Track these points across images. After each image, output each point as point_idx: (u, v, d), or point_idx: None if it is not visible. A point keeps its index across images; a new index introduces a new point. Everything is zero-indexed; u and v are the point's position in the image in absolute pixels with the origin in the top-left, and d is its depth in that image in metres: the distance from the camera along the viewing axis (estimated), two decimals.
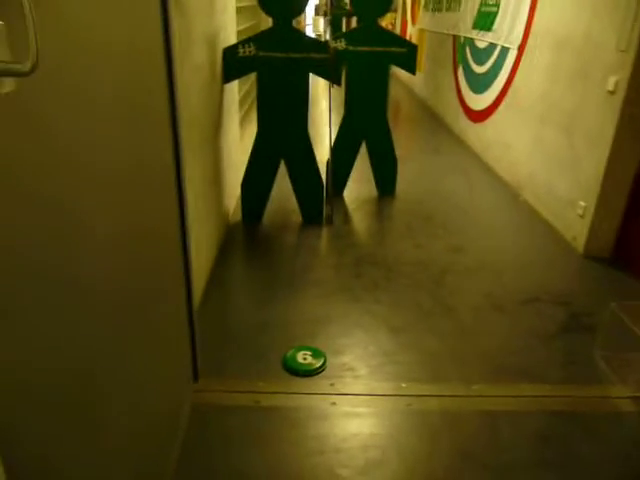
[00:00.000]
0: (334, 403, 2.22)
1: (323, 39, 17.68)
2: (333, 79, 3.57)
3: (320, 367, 2.39)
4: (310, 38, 3.56)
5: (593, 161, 3.47)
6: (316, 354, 2.47)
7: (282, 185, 3.94)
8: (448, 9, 7.27)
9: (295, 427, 2.09)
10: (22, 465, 0.90)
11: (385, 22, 12.08)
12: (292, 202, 4.00)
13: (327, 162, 4.11)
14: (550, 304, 3.01)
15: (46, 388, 0.96)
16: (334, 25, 14.91)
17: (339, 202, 4.38)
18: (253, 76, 3.65)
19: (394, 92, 9.88)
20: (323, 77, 3.58)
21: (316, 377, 2.37)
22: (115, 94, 1.24)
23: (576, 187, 3.70)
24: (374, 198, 4.52)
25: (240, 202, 3.96)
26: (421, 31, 9.25)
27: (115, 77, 1.23)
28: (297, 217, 4.00)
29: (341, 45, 3.99)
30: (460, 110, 6.48)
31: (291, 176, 3.84)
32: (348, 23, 15.44)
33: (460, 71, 6.57)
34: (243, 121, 4.88)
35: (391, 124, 4.32)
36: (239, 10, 4.35)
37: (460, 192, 4.74)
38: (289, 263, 3.40)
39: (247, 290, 3.14)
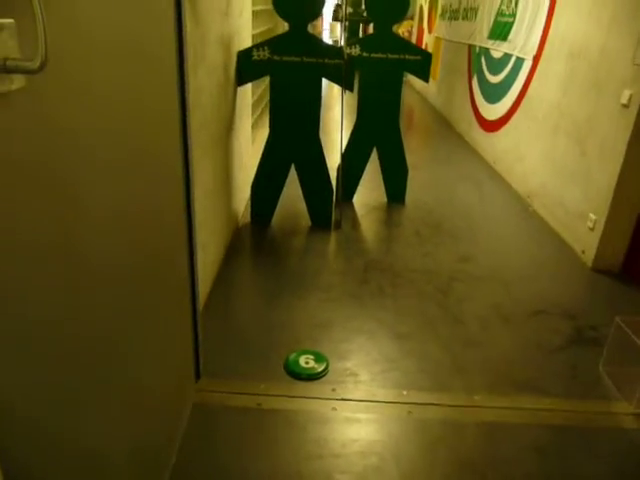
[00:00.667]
0: (335, 408, 2.22)
1: (339, 44, 17.73)
2: (345, 85, 3.58)
3: (322, 372, 2.40)
4: (324, 43, 3.58)
5: (605, 174, 3.45)
6: (319, 358, 2.47)
7: (292, 189, 3.95)
8: (464, 18, 7.27)
9: (295, 430, 2.09)
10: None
11: (402, 29, 12.10)
12: (301, 206, 4.00)
13: (338, 167, 4.12)
14: (556, 317, 2.99)
15: (45, 380, 0.97)
16: (351, 31, 14.96)
17: (348, 207, 4.39)
18: (267, 80, 3.67)
19: (408, 99, 9.89)
20: (336, 83, 3.59)
21: (318, 381, 2.37)
22: (124, 92, 1.25)
23: (587, 199, 3.68)
24: (384, 205, 4.52)
25: (250, 204, 3.98)
26: (437, 39, 9.26)
27: (124, 75, 1.25)
28: (306, 221, 4.01)
29: (355, 51, 4.01)
30: (473, 119, 6.46)
31: (301, 180, 3.85)
32: (365, 29, 15.50)
33: (475, 80, 6.56)
34: (256, 124, 4.91)
35: (404, 131, 4.33)
36: (255, 14, 4.38)
37: (470, 201, 4.72)
38: (296, 267, 3.40)
39: (253, 292, 3.15)
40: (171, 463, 1.88)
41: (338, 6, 20.60)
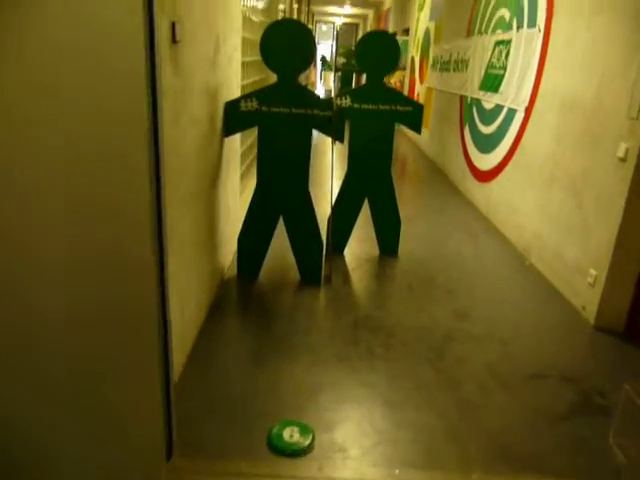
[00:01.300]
0: None
1: (333, 94, 17.94)
2: (335, 136, 3.50)
3: (308, 447, 2.19)
4: (314, 95, 3.51)
5: (604, 228, 3.34)
6: (304, 430, 2.27)
7: (281, 239, 3.81)
8: (455, 69, 7.34)
9: None
10: None
11: (394, 80, 12.28)
12: (291, 258, 3.85)
13: (328, 219, 4.00)
14: (559, 381, 2.81)
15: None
16: (344, 81, 15.23)
17: (339, 260, 4.25)
18: (256, 130, 3.58)
19: (401, 147, 9.93)
20: (325, 134, 3.51)
21: (303, 458, 2.16)
22: (90, 149, 1.12)
23: (586, 254, 3.55)
24: (375, 257, 4.38)
25: (237, 257, 3.83)
26: (429, 89, 9.36)
27: (90, 132, 1.12)
28: (295, 274, 3.85)
29: (346, 102, 3.95)
30: (466, 169, 6.42)
31: (290, 233, 3.72)
32: (358, 79, 15.75)
33: (467, 130, 6.56)
34: (245, 174, 4.82)
35: (396, 180, 4.23)
36: (246, 64, 4.35)
37: (465, 254, 4.60)
38: (283, 326, 3.23)
39: (237, 353, 2.96)
40: None
41: (324, 57, 21.07)
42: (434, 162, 8.48)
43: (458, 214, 5.78)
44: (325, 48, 28.46)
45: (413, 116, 4.01)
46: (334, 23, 27.17)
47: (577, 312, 3.59)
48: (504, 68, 5.30)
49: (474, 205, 6.03)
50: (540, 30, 4.48)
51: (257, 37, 3.43)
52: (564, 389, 2.74)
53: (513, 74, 5.04)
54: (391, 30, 15.40)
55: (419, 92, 10.34)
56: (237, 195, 4.18)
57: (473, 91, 6.34)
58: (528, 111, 4.65)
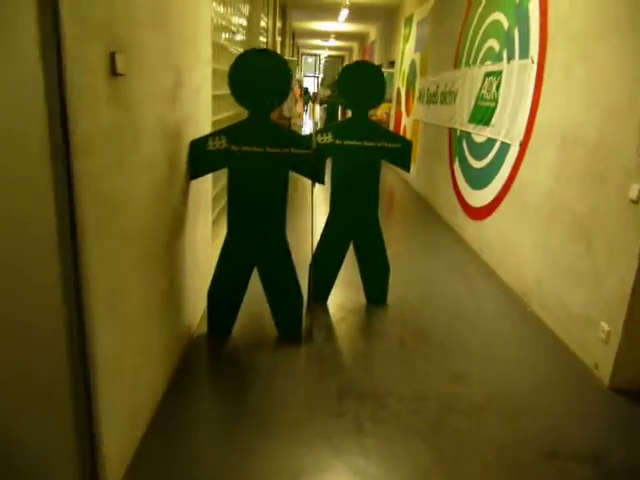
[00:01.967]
0: None
1: (319, 126, 17.76)
2: (315, 178, 3.14)
3: None
4: (290, 132, 3.17)
5: (616, 276, 2.98)
6: None
7: (258, 287, 3.40)
8: (443, 102, 7.09)
9: None
10: None
11: (380, 112, 12.09)
12: (268, 310, 3.45)
13: (310, 265, 3.62)
14: (576, 460, 2.40)
15: None
16: (329, 114, 15.05)
17: (322, 311, 3.85)
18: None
19: (387, 181, 9.64)
20: (304, 175, 3.15)
21: None
22: None
23: (595, 305, 3.19)
24: (362, 307, 3.99)
25: (207, 313, 3.42)
26: (415, 122, 9.12)
27: None
28: (272, 329, 3.44)
29: (327, 139, 3.61)
30: (457, 205, 6.10)
31: (265, 286, 3.32)
32: (344, 112, 15.57)
33: (456, 164, 6.26)
34: (217, 220, 4.43)
35: (383, 215, 3.88)
36: (218, 98, 4.01)
37: (459, 300, 4.22)
38: (258, 395, 2.80)
39: (204, 431, 2.52)
40: None
41: (306, 89, 21.00)
42: (422, 196, 8.17)
43: (450, 253, 5.43)
44: (311, 80, 28.56)
45: (401, 153, 3.68)
46: (319, 55, 27.32)
47: (589, 371, 3.20)
48: (495, 100, 5.02)
49: (466, 243, 5.68)
50: (533, 61, 4.21)
51: None
52: (584, 470, 2.34)
53: (505, 107, 4.75)
54: (377, 62, 15.34)
55: (405, 124, 10.11)
56: (208, 243, 3.78)
57: (462, 124, 6.07)
58: (523, 145, 4.34)
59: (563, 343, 3.52)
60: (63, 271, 1.26)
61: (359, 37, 19.39)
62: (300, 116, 24.55)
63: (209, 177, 3.67)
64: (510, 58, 4.72)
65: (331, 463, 2.30)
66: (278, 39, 11.83)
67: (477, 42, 5.70)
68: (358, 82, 3.56)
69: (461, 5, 6.39)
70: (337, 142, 3.63)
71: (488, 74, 5.26)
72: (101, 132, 1.74)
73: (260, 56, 2.98)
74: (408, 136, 9.76)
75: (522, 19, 4.47)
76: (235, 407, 2.68)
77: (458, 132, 6.29)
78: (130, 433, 2.22)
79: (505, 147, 4.73)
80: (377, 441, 2.46)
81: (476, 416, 2.70)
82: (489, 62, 5.29)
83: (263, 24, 8.46)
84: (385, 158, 3.68)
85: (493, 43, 5.19)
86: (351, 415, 2.65)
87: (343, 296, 4.11)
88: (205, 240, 3.67)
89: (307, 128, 20.42)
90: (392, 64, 12.28)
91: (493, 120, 5.05)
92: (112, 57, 1.82)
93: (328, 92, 15.47)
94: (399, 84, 11.09)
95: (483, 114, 5.32)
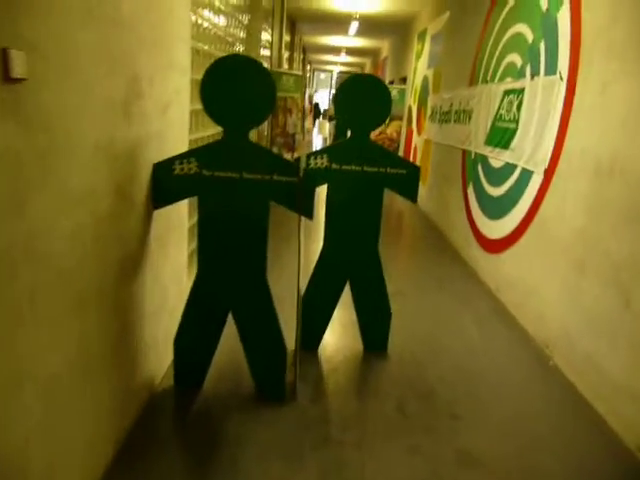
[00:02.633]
0: None
1: (328, 142, 17.21)
2: (303, 210, 2.61)
3: None
4: (272, 155, 2.67)
5: None
6: None
7: (235, 334, 2.88)
8: (457, 121, 6.58)
9: None
10: None
11: (390, 130, 11.61)
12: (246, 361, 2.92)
13: (297, 307, 3.08)
14: None
15: None
16: (339, 131, 14.56)
17: (311, 360, 3.31)
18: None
19: (393, 201, 9.11)
20: (288, 207, 2.64)
21: None
22: None
23: (638, 371, 2.63)
24: (359, 356, 3.44)
25: (174, 363, 2.90)
26: (427, 142, 8.61)
27: None
28: (250, 384, 2.91)
29: (322, 162, 3.10)
30: (470, 234, 5.54)
31: (241, 334, 2.80)
32: None
33: (470, 190, 5.72)
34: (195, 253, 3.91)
35: (387, 241, 3.34)
36: (197, 113, 3.51)
37: (472, 350, 3.66)
38: (219, 476, 2.27)
39: None
40: None
41: (317, 104, 20.56)
42: (432, 221, 7.62)
43: (461, 290, 4.86)
44: (324, 96, 28.22)
45: (408, 181, 3.16)
46: (332, 71, 27.01)
47: (630, 452, 2.62)
48: (516, 121, 4.49)
49: (480, 278, 5.12)
50: (562, 78, 3.68)
51: None
52: None
53: (528, 129, 4.22)
54: (388, 78, 14.91)
55: (416, 144, 9.60)
56: (182, 280, 3.26)
57: (478, 146, 5.54)
58: (548, 174, 3.80)
59: (597, 413, 2.94)
60: None
61: (371, 53, 19.00)
62: (309, 131, 24.26)
63: (185, 203, 3.16)
64: (534, 74, 4.20)
65: None
66: (285, 53, 11.42)
67: (496, 57, 5.19)
68: (358, 98, 3.05)
69: (479, 17, 5.90)
70: (333, 166, 3.11)
71: (508, 92, 4.74)
72: None
73: (236, 64, 2.47)
74: (418, 156, 9.25)
75: (549, 30, 3.95)
76: None
77: (473, 155, 5.76)
78: None
79: (526, 174, 4.19)
80: None
81: None
82: (509, 79, 4.77)
83: (267, 37, 8.03)
84: (388, 186, 3.17)
85: (514, 58, 4.68)
86: None
87: (337, 341, 3.57)
88: (177, 276, 3.15)
89: (317, 143, 20.04)
90: (404, 80, 11.82)
91: (513, 143, 4.52)
92: (4, 55, 1.32)
93: None
94: (411, 101, 10.60)
95: (501, 136, 4.79)
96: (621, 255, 2.86)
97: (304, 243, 3.01)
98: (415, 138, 9.81)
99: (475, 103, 5.78)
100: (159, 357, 2.89)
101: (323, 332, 3.43)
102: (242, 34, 5.89)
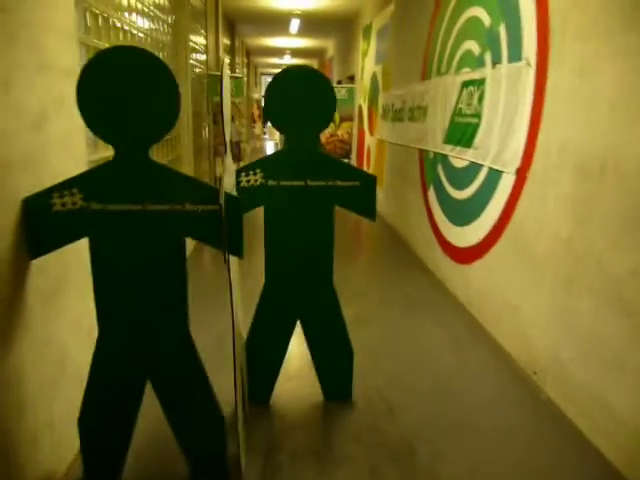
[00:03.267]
0: None
1: (279, 147, 16.52)
2: (229, 246, 2.01)
3: None
4: (182, 178, 2.06)
5: None
6: None
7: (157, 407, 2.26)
8: (411, 119, 6.09)
9: None
10: None
11: (341, 131, 11.10)
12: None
13: (234, 362, 2.48)
14: None
15: None
16: None
17: (261, 417, 2.71)
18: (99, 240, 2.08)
19: None
20: (209, 244, 2.04)
21: None
22: None
23: None
24: (318, 408, 2.86)
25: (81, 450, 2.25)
26: (380, 142, 8.12)
27: None
28: (183, 464, 2.29)
29: (255, 179, 2.52)
30: (435, 242, 5.05)
31: (163, 401, 2.18)
32: None
33: (431, 193, 5.23)
34: None
35: (344, 254, 2.77)
36: None
37: (450, 386, 3.13)
38: None
39: None
40: None
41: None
42: (391, 227, 7.11)
43: (430, 306, 4.35)
44: None
45: (362, 195, 2.61)
46: None
47: None
48: (478, 115, 4.01)
49: (449, 290, 4.62)
50: (530, 64, 3.20)
51: None
52: None
53: (492, 123, 3.74)
54: (336, 79, 14.42)
55: (369, 145, 9.11)
56: (92, 332, 2.60)
57: (436, 145, 5.05)
58: (521, 173, 3.32)
59: (605, 459, 2.45)
60: None
61: (317, 54, 18.51)
62: (259, 137, 23.59)
63: (84, 242, 2.50)
64: (495, 62, 3.72)
65: None
66: (226, 58, 10.76)
67: (450, 46, 4.71)
68: (294, 97, 2.49)
69: (427, 5, 5.42)
70: (270, 183, 2.54)
71: (467, 83, 4.26)
72: None
73: (123, 58, 1.85)
74: (372, 158, 8.75)
75: (510, 11, 3.48)
76: None
77: (431, 154, 5.26)
78: None
79: (495, 175, 3.71)
80: None
81: None
82: (467, 69, 4.29)
83: (201, 40, 7.37)
84: (339, 202, 2.61)
85: (471, 45, 4.20)
86: None
87: (292, 392, 2.98)
88: (83, 330, 2.49)
89: (270, 149, 19.42)
90: (351, 79, 11.34)
91: (476, 140, 4.04)
92: None
93: None
94: (360, 100, 10.12)
95: (462, 133, 4.30)
96: (622, 269, 2.37)
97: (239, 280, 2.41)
98: (368, 139, 9.31)
99: (430, 98, 5.29)
100: (59, 443, 2.24)
101: (274, 382, 2.83)
102: (166, 37, 5.23)
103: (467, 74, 4.26)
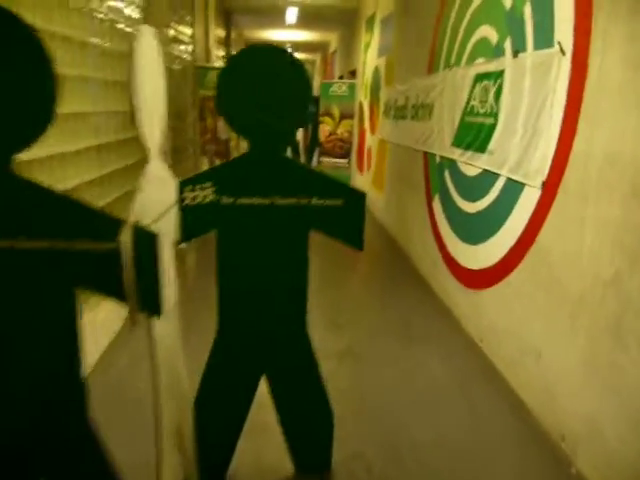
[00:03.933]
0: None
1: None
2: (140, 302, 1.38)
3: None
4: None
5: None
6: None
7: None
8: (414, 117, 5.44)
9: None
10: None
11: (341, 130, 10.44)
12: None
13: (178, 426, 1.86)
14: None
15: None
16: None
17: None
18: None
19: None
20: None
21: None
22: None
23: None
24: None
25: None
26: (382, 142, 7.47)
27: None
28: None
29: (205, 195, 1.89)
30: (440, 261, 4.40)
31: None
32: (305, 133, 13.77)
33: (437, 203, 4.58)
34: None
35: (333, 266, 2.28)
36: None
37: (457, 448, 2.51)
38: None
39: None
40: None
41: None
42: (391, 236, 6.47)
43: (434, 338, 3.71)
44: None
45: (347, 217, 1.98)
46: None
47: None
48: (494, 115, 3.36)
49: (456, 319, 3.97)
50: (564, 50, 2.56)
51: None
52: None
53: (512, 124, 3.09)
54: (338, 73, 13.76)
55: (370, 145, 8.45)
56: None
57: (443, 148, 4.41)
58: (549, 188, 2.68)
59: None
60: None
61: (320, 48, 17.81)
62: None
63: None
64: (517, 50, 3.08)
65: None
66: (218, 51, 10.11)
67: (461, 33, 4.06)
68: (259, 87, 1.85)
69: None
70: (224, 201, 1.91)
71: (480, 77, 3.61)
72: None
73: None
74: (373, 159, 8.09)
75: None
76: None
77: (437, 159, 4.62)
78: None
79: (515, 187, 3.07)
80: None
81: None
82: (481, 59, 3.64)
83: (187, 30, 6.72)
84: (317, 226, 1.98)
85: (487, 32, 3.56)
86: None
87: (255, 458, 2.35)
88: None
89: None
90: (353, 74, 10.68)
91: (491, 144, 3.39)
92: None
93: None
94: (361, 97, 9.46)
95: (475, 135, 3.66)
96: None
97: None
98: (369, 138, 8.66)
99: (437, 94, 4.64)
100: None
101: (230, 456, 2.19)
102: (133, 23, 4.55)
103: (481, 65, 3.61)
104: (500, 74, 3.28)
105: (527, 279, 2.94)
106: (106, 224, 1.35)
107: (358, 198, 1.97)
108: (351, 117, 10.24)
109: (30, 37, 1.26)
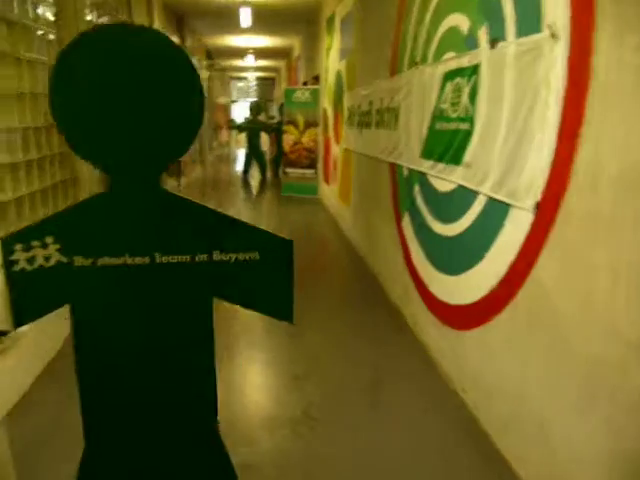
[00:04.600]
0: None
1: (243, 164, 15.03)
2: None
3: None
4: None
5: None
6: None
7: None
8: (380, 123, 4.85)
9: None
10: None
11: (306, 139, 9.85)
12: None
13: None
14: None
15: None
16: (251, 144, 12.57)
17: None
18: None
19: (314, 221, 7.37)
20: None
21: None
22: None
23: None
24: None
25: None
26: (347, 151, 6.87)
27: None
28: None
29: (44, 256, 1.23)
30: (413, 289, 3.79)
31: None
32: (275, 138, 13.06)
33: (406, 223, 3.98)
34: None
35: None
36: None
37: None
38: None
39: None
40: None
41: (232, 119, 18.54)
42: (358, 254, 5.83)
43: (405, 386, 3.08)
44: (244, 106, 26.16)
45: (266, 278, 1.34)
46: (246, 79, 25.13)
47: None
48: (469, 119, 2.78)
49: (431, 359, 3.36)
50: (555, 34, 1.98)
51: None
52: None
53: (492, 129, 2.51)
54: (302, 79, 13.16)
55: (336, 156, 7.85)
56: None
57: (411, 159, 3.81)
58: (546, 211, 2.08)
59: None
60: None
61: (284, 54, 17.20)
62: (227, 145, 22.30)
63: None
64: (496, 39, 2.49)
65: None
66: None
67: (427, 26, 3.48)
68: (116, 91, 1.21)
69: None
70: (78, 263, 1.25)
71: (451, 74, 3.02)
72: None
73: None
74: (339, 171, 7.48)
75: None
76: None
77: (405, 171, 4.03)
78: None
79: (499, 208, 2.47)
80: None
81: None
82: (451, 53, 3.06)
83: None
84: (223, 293, 1.34)
85: (457, 20, 2.97)
86: None
87: None
88: None
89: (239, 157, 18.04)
90: (317, 79, 10.10)
91: (467, 155, 2.80)
92: None
93: (248, 116, 12.98)
94: (325, 103, 8.87)
95: (447, 144, 3.07)
96: None
97: None
98: (334, 148, 8.06)
99: (402, 98, 4.05)
100: None
101: None
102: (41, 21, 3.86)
103: (451, 61, 3.02)
104: (474, 69, 2.69)
105: (519, 322, 2.33)
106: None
107: (281, 248, 1.34)
108: (316, 125, 9.65)
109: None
